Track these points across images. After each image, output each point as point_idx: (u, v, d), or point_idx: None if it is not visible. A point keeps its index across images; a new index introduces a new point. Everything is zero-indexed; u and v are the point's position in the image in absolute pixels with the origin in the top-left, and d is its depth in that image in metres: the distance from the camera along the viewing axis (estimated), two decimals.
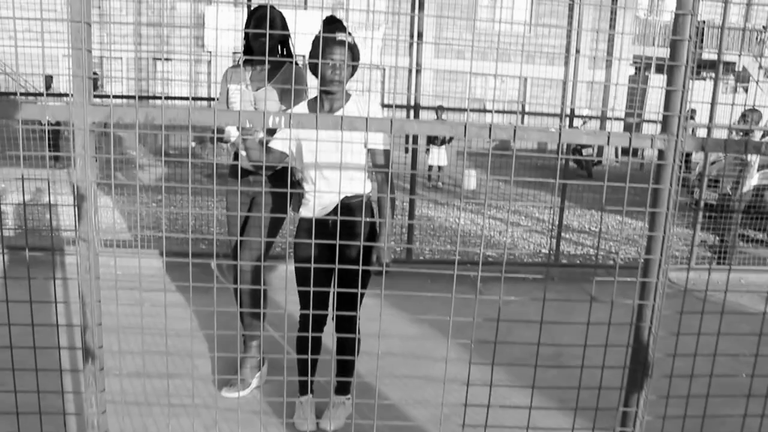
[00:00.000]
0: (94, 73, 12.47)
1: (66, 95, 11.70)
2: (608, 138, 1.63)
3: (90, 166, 1.60)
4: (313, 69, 2.77)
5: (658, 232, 1.71)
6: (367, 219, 2.89)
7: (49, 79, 14.02)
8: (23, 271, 5.24)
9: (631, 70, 21.68)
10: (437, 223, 8.79)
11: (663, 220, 1.70)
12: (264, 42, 3.24)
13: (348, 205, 2.90)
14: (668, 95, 1.64)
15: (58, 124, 12.68)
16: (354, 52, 2.80)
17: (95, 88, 11.99)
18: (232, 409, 3.20)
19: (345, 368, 3.12)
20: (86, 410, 1.77)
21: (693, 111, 15.44)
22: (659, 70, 18.50)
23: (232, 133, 3.05)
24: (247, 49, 3.39)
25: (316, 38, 2.72)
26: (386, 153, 2.91)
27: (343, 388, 3.18)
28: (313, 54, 2.72)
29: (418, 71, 5.88)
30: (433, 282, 5.59)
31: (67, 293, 4.82)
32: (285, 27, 3.37)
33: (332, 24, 2.77)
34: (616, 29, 19.74)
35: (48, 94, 11.33)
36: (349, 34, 2.78)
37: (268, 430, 3.05)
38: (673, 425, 2.01)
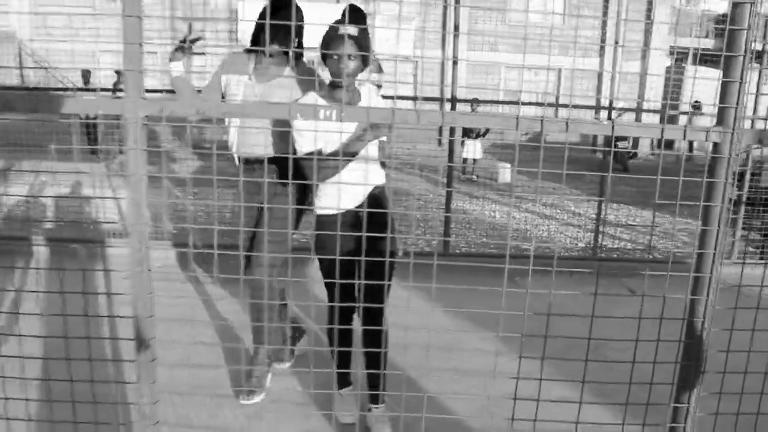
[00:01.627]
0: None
1: (108, 90, 11.87)
2: (662, 131, 1.60)
3: (141, 159, 1.62)
4: (324, 62, 2.77)
5: (713, 227, 1.67)
6: (384, 210, 2.85)
7: (86, 74, 14.25)
8: (63, 263, 5.34)
9: (668, 61, 21.30)
10: (473, 216, 8.76)
11: (717, 215, 1.67)
12: (280, 44, 3.15)
13: (376, 196, 2.88)
14: (724, 86, 1.61)
15: (95, 117, 12.88)
16: (361, 44, 2.70)
17: None
18: (275, 400, 3.23)
19: (377, 365, 2.98)
20: (138, 400, 1.80)
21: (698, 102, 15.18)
22: (696, 60, 18.16)
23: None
24: (256, 40, 3.24)
25: (326, 31, 2.72)
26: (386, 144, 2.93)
27: (376, 393, 3.05)
28: (323, 47, 2.71)
29: (455, 62, 5.83)
30: (470, 274, 5.56)
31: (109, 285, 4.90)
32: (302, 26, 3.27)
33: (352, 13, 2.66)
34: (653, 19, 19.40)
35: (99, 89, 11.50)
36: (362, 26, 2.70)
37: (311, 422, 3.07)
38: (725, 421, 1.97)
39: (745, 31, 1.56)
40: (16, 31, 16.84)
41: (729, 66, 1.62)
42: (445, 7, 6.12)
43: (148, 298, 1.70)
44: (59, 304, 3.68)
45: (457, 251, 6.58)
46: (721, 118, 1.64)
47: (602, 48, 19.23)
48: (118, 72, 13.00)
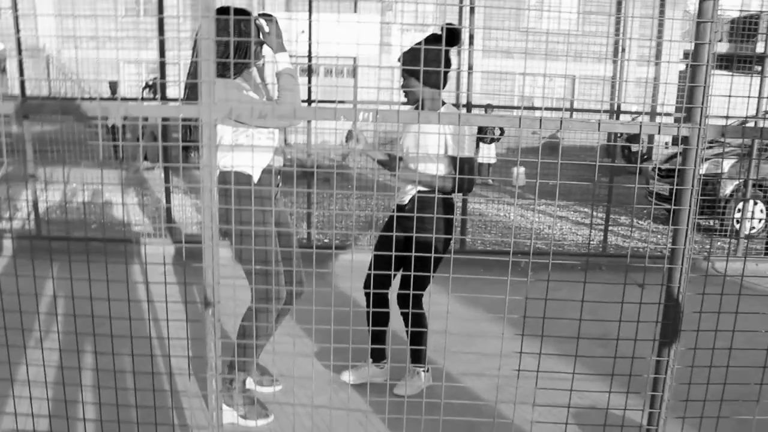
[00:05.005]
0: (154, 79, 13.08)
1: (135, 100, 12.28)
2: (640, 127, 1.94)
3: (213, 153, 1.99)
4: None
5: (684, 206, 2.01)
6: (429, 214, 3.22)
7: (113, 85, 14.76)
8: (100, 259, 5.73)
9: (682, 66, 21.49)
10: (488, 218, 9.10)
11: (689, 196, 2.00)
12: (251, 44, 2.96)
13: (420, 199, 3.23)
14: (691, 90, 1.95)
15: (123, 126, 13.36)
16: (406, 64, 3.13)
17: (155, 92, 12.61)
18: (309, 377, 3.59)
19: (414, 341, 3.45)
20: (207, 354, 2.16)
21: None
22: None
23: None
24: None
25: None
26: (455, 159, 3.19)
27: (416, 360, 3.52)
28: None
29: (470, 70, 6.21)
30: (486, 270, 5.91)
31: (145, 278, 5.28)
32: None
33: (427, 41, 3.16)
34: (665, 25, 19.62)
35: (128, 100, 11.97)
36: (415, 47, 3.13)
37: (339, 395, 3.43)
38: (700, 373, 2.30)
39: (707, 45, 1.91)
40: (45, 43, 17.41)
41: (695, 73, 1.96)
42: (460, 14, 6.51)
43: (217, 266, 2.07)
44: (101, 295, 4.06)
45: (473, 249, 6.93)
46: (689, 116, 1.98)
47: (615, 53, 19.48)
48: (147, 83, 13.52)
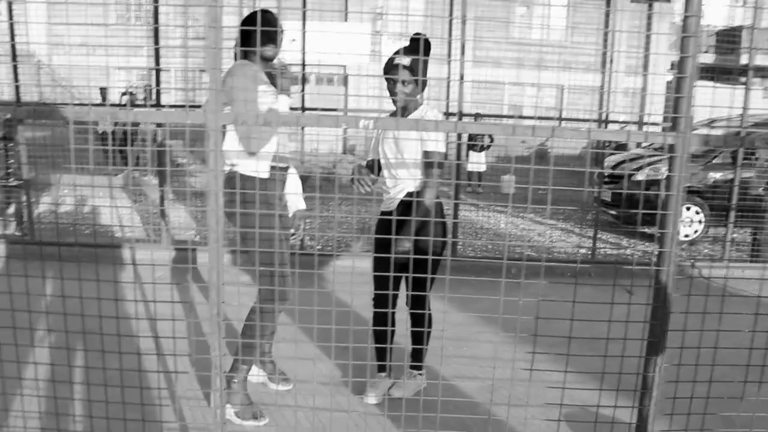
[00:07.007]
0: (148, 85, 13.13)
1: (123, 106, 12.34)
2: (628, 135, 2.04)
3: (220, 157, 2.07)
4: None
5: (671, 210, 2.11)
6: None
7: (104, 91, 14.78)
8: (90, 265, 5.78)
9: (669, 77, 21.75)
10: (478, 225, 9.21)
11: (675, 201, 2.10)
12: (275, 49, 3.20)
13: (408, 204, 3.31)
14: (676, 101, 2.05)
15: (112, 132, 13.43)
16: (413, 70, 3.23)
17: (146, 98, 12.65)
18: (308, 381, 3.66)
19: (417, 341, 3.52)
20: (211, 353, 2.23)
21: None
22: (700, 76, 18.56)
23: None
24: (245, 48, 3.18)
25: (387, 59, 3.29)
26: (438, 154, 3.29)
27: (415, 360, 3.58)
28: (384, 72, 3.28)
29: (461, 80, 6.32)
30: (477, 276, 6.00)
31: (119, 288, 5.34)
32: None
33: (412, 43, 3.25)
34: (653, 37, 19.85)
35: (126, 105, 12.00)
36: (415, 57, 3.21)
37: (337, 399, 3.50)
38: (686, 372, 2.39)
39: (691, 58, 2.00)
40: (35, 50, 17.41)
41: (680, 84, 2.06)
42: (450, 25, 6.63)
43: (221, 267, 2.15)
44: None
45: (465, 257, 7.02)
46: (674, 125, 2.07)
47: (604, 64, 19.70)
48: (127, 90, 13.65)
